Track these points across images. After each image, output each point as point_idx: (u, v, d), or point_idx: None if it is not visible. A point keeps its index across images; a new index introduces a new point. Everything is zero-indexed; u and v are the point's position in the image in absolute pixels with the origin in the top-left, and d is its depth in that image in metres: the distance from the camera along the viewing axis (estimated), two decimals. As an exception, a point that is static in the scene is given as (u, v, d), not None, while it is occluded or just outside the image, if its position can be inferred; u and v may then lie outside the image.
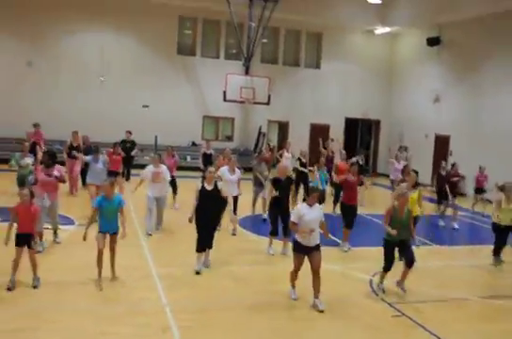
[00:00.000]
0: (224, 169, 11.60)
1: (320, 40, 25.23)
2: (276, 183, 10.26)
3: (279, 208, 10.10)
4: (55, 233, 9.89)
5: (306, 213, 7.54)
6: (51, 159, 9.74)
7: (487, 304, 8.31)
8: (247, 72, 22.56)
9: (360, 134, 28.05)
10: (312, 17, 22.95)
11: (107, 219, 7.98)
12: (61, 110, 21.00)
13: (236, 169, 11.71)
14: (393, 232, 8.03)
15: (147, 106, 22.53)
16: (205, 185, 8.95)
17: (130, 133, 18.00)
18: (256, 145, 23.61)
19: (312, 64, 25.37)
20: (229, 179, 11.38)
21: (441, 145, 21.93)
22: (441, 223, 14.37)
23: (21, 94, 20.98)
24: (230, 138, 24.36)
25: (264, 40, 23.78)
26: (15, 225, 7.55)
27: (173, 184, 13.59)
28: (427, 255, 11.13)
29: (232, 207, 11.06)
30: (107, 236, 8.04)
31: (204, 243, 8.85)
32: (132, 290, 7.79)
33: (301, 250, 7.56)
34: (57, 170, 9.62)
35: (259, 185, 13.28)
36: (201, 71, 23.37)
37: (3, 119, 19.65)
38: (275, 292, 8.05)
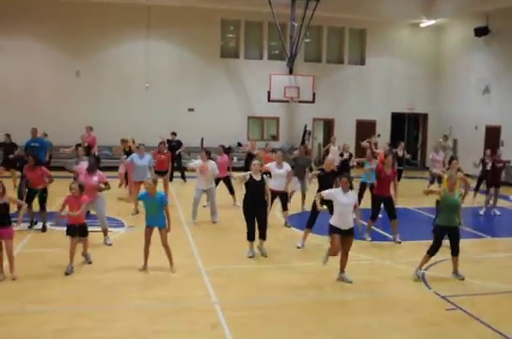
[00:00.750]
0: (272, 165, 11.66)
1: (364, 36, 24.94)
2: (321, 175, 10.25)
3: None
4: (105, 234, 10.11)
5: (339, 197, 8.01)
6: (96, 164, 10.18)
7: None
8: (290, 72, 22.49)
9: (408, 128, 27.57)
10: (354, 14, 22.72)
11: (151, 215, 8.41)
12: (108, 117, 21.45)
13: (284, 164, 11.68)
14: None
15: (192, 110, 22.79)
16: (253, 176, 9.27)
17: (175, 134, 18.31)
18: (302, 144, 23.50)
19: (356, 61, 25.10)
20: (277, 173, 11.45)
21: (492, 136, 21.30)
22: (480, 212, 13.97)
23: (69, 102, 21.58)
24: (275, 138, 24.35)
25: (307, 40, 23.70)
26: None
27: (227, 183, 13.74)
28: (478, 246, 10.89)
29: (281, 203, 11.72)
30: (156, 230, 8.44)
31: (254, 231, 9.25)
32: (182, 288, 7.85)
33: (336, 232, 8.01)
34: (98, 176, 9.96)
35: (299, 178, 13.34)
36: (245, 72, 23.46)
37: (52, 127, 20.13)
38: (324, 287, 8.00)
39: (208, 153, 12.18)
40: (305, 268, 8.83)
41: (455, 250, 8.40)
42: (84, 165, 10.62)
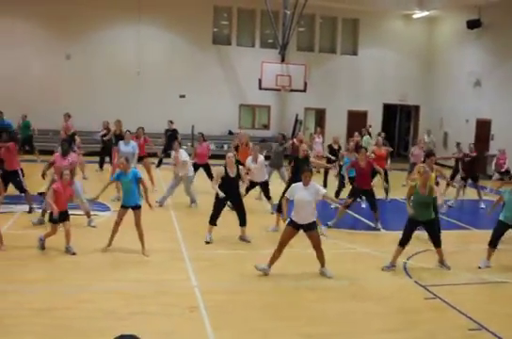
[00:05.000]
0: (248, 160, 11.86)
1: (357, 26, 24.86)
2: (293, 161, 10.49)
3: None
4: (88, 216, 10.16)
5: (298, 192, 7.81)
6: (68, 147, 10.39)
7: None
8: (283, 60, 22.40)
9: (399, 120, 27.62)
10: (347, 3, 22.63)
11: (127, 194, 8.57)
12: (98, 102, 21.34)
13: (259, 156, 11.80)
14: (411, 211, 8.30)
15: (183, 96, 22.68)
16: (228, 171, 9.32)
17: (172, 122, 18.46)
18: (293, 133, 23.48)
19: (348, 50, 25.04)
20: (254, 167, 11.66)
21: (482, 129, 21.36)
22: (448, 203, 13.60)
23: (58, 86, 21.42)
24: (266, 127, 24.33)
25: (301, 29, 23.63)
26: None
27: (207, 170, 13.84)
28: (461, 238, 10.99)
29: (264, 193, 11.97)
30: (130, 212, 8.55)
31: (217, 217, 9.43)
32: (162, 271, 7.89)
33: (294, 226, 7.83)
34: (71, 157, 10.10)
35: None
36: (237, 59, 23.36)
37: (41, 110, 20.02)
38: (305, 274, 8.04)
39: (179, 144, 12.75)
40: (287, 255, 8.87)
41: (436, 243, 8.47)
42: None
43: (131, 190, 8.56)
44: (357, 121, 23.78)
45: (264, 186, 11.92)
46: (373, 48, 24.58)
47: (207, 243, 9.36)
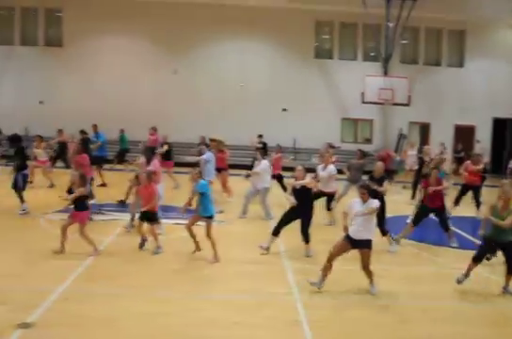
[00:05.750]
0: (319, 168, 12.00)
1: (463, 37, 24.05)
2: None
3: None
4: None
5: (355, 208, 7.59)
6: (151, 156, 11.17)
7: None
8: (385, 73, 22.08)
9: (510, 135, 26.18)
10: (453, 14, 21.96)
11: (197, 203, 8.99)
12: (203, 114, 22.04)
13: (329, 166, 11.81)
14: (482, 231, 7.96)
15: (285, 110, 22.88)
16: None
17: (261, 136, 18.95)
18: (397, 148, 22.99)
19: (454, 63, 24.24)
20: (321, 176, 11.72)
21: None
22: None
23: (165, 100, 22.36)
24: (369, 141, 23.98)
25: (404, 42, 23.19)
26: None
27: (280, 181, 14.24)
28: None
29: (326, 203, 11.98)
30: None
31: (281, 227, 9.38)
32: (265, 283, 7.92)
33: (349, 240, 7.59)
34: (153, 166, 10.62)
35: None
36: (339, 73, 23.30)
37: (149, 123, 20.90)
38: (417, 293, 7.77)
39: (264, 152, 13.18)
40: (398, 274, 8.63)
41: (510, 268, 7.86)
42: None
43: (199, 201, 8.90)
44: (464, 136, 22.88)
45: (329, 197, 11.86)
46: (481, 59, 23.64)
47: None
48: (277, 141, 18.60)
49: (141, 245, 9.23)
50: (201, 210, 8.87)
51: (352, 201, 7.81)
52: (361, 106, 22.01)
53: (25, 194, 11.71)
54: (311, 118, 22.67)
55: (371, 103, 21.57)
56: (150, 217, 9.15)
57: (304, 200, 9.32)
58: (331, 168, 11.77)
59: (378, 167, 10.60)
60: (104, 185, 15.22)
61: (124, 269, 8.25)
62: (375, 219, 7.70)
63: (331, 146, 16.62)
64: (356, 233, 7.52)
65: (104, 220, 11.22)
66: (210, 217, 8.87)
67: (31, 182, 14.18)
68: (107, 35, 22.49)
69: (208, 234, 8.79)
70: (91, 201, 10.82)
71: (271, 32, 22.53)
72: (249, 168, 13.91)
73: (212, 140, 15.72)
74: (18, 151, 11.84)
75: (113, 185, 15.26)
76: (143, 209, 9.14)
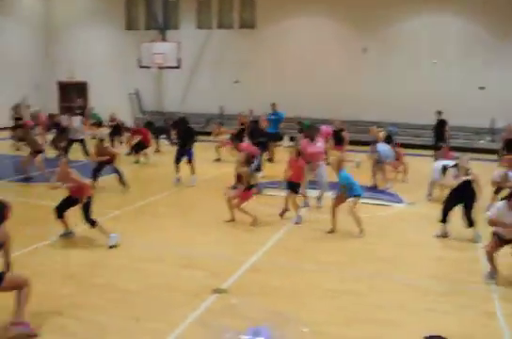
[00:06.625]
0: None
1: None
2: None
3: None
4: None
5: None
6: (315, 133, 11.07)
7: None
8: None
9: None
10: None
11: None
12: (393, 94, 21.41)
13: None
14: None
15: (483, 88, 21.24)
16: None
17: (440, 113, 17.45)
18: None
19: None
20: None
21: None
22: None
23: (355, 79, 22.12)
24: None
25: None
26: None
27: None
28: None
29: None
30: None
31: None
32: (458, 270, 7.52)
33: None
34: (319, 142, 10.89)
35: None
36: None
37: (341, 102, 20.93)
38: None
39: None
40: None
41: None
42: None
43: None
44: None
45: None
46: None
47: None
48: (471, 121, 17.53)
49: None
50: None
51: (500, 207, 7.04)
52: None
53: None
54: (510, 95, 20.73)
55: None
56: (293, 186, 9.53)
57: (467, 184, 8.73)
58: None
59: None
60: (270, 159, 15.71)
61: (313, 245, 8.41)
62: None
63: None
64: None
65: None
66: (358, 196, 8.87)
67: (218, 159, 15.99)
68: (297, 15, 22.70)
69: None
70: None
71: (462, 6, 20.82)
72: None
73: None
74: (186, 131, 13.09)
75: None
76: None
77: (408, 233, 9.23)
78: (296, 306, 6.11)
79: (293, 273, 7.17)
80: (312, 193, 10.81)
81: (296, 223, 9.48)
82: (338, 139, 15.65)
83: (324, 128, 14.14)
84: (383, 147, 12.68)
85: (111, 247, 7.91)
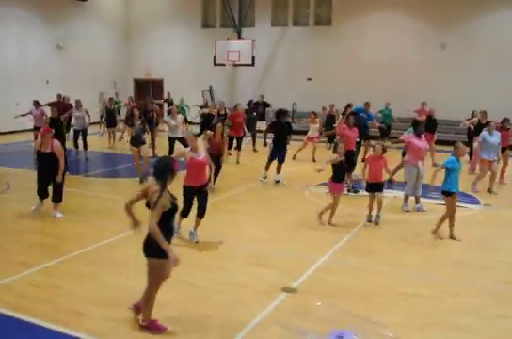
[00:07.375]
0: None
1: None
2: None
3: None
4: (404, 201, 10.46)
5: None
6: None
7: None
8: None
9: None
10: None
11: None
12: (470, 91, 20.70)
13: None
14: None
15: None
16: None
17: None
18: None
19: None
20: None
21: None
22: None
23: (430, 75, 21.62)
24: None
25: None
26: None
27: None
28: None
29: None
30: None
31: None
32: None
33: None
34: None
35: None
36: None
37: (406, 97, 20.44)
38: None
39: None
40: None
41: None
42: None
43: None
44: None
45: None
46: None
47: None
48: None
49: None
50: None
51: None
52: None
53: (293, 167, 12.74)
54: None
55: None
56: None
57: None
58: None
59: None
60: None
61: (383, 246, 8.31)
62: None
63: None
64: None
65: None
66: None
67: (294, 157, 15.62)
68: (374, 11, 22.32)
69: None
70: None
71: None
72: None
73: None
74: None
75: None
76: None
77: (486, 236, 8.96)
78: (369, 308, 6.06)
79: (364, 274, 7.11)
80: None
81: (376, 224, 9.38)
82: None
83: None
84: None
85: (196, 242, 8.15)
